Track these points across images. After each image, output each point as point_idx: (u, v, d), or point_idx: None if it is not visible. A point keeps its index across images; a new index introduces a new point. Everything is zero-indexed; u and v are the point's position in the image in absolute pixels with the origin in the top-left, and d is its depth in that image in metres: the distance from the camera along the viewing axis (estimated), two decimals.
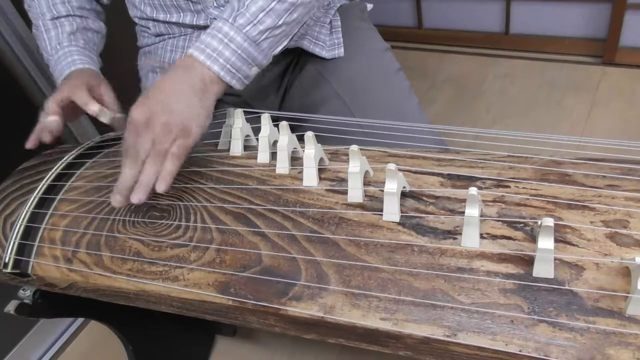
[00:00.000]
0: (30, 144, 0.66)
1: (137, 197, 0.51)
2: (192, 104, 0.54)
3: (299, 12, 0.60)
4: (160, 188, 0.51)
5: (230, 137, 0.60)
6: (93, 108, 0.65)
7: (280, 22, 0.58)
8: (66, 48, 0.74)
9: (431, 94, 1.59)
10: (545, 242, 0.37)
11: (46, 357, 1.13)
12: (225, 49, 0.56)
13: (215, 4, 0.71)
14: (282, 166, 0.53)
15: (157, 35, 0.78)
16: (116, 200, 0.53)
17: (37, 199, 0.62)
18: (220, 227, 0.50)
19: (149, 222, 0.55)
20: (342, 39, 0.76)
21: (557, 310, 0.36)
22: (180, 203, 0.55)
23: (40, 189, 0.63)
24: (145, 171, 0.52)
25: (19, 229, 0.60)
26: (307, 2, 0.61)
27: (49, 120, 0.65)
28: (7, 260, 0.59)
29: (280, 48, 0.61)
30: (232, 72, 0.57)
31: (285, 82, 0.81)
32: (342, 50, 0.76)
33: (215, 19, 0.71)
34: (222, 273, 0.47)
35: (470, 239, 0.41)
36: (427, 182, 0.48)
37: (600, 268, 0.37)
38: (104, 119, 0.66)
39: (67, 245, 0.57)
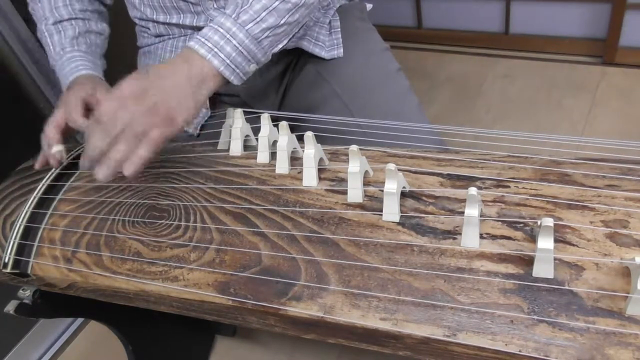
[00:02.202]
0: (38, 165, 0.66)
1: (103, 173, 0.50)
2: (185, 96, 0.54)
3: (301, 13, 0.61)
4: (128, 171, 0.49)
5: (230, 137, 0.60)
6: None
7: (282, 22, 0.59)
8: (69, 53, 0.73)
9: (431, 94, 1.59)
10: (545, 242, 0.36)
11: (46, 357, 1.13)
12: (227, 44, 0.56)
13: (215, 5, 0.71)
14: (282, 166, 0.53)
15: (157, 36, 0.78)
16: (83, 165, 0.52)
17: (36, 199, 0.62)
18: (220, 227, 0.50)
19: (149, 222, 0.55)
20: (341, 40, 0.76)
21: (557, 310, 0.36)
22: (180, 203, 0.55)
23: (40, 189, 0.63)
24: (117, 148, 0.49)
25: (19, 229, 0.60)
26: (310, 4, 0.62)
27: (54, 152, 0.64)
28: (6, 260, 0.59)
29: (280, 47, 0.62)
30: (232, 67, 0.57)
31: (285, 82, 0.81)
32: (342, 50, 0.76)
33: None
34: (221, 273, 0.47)
35: (470, 239, 0.41)
36: (427, 182, 0.48)
37: (600, 268, 0.37)
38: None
39: (67, 245, 0.57)
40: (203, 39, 0.56)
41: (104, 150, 0.50)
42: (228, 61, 0.57)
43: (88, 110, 0.65)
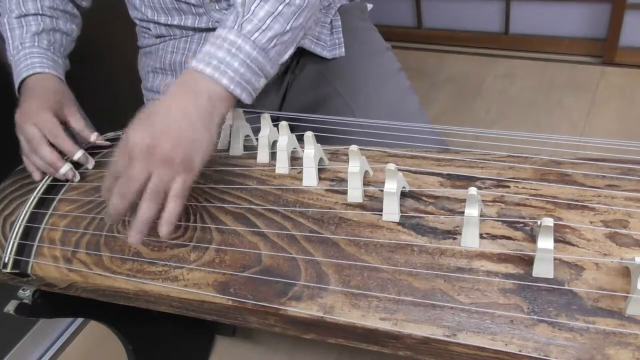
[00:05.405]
0: (38, 177, 0.65)
1: (136, 238, 0.47)
2: (198, 131, 0.49)
3: (304, 16, 0.58)
4: (163, 231, 0.47)
5: (230, 137, 0.60)
6: (76, 157, 0.63)
7: (288, 27, 0.55)
8: (27, 49, 0.69)
9: (431, 94, 1.59)
10: (545, 242, 0.37)
11: (46, 357, 1.13)
12: (234, 59, 0.51)
13: (217, 7, 0.71)
14: (282, 166, 0.53)
15: (158, 37, 0.78)
16: (107, 221, 0.51)
17: (36, 199, 0.62)
18: (219, 227, 0.50)
19: None
20: (342, 39, 0.76)
21: (556, 310, 0.36)
22: None
23: (40, 189, 0.63)
24: (144, 207, 0.47)
25: (19, 229, 0.60)
26: (312, 5, 0.59)
27: (66, 171, 0.62)
28: (6, 260, 0.59)
29: (286, 56, 0.58)
30: (243, 84, 0.52)
31: (286, 81, 0.81)
32: (343, 50, 0.76)
33: (217, 22, 0.71)
34: (221, 273, 0.47)
35: (470, 239, 0.41)
36: (427, 182, 0.48)
37: (600, 268, 0.37)
38: (90, 165, 0.64)
39: (67, 245, 0.57)
40: (207, 58, 0.51)
41: (125, 210, 0.47)
42: (237, 78, 0.52)
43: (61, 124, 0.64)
